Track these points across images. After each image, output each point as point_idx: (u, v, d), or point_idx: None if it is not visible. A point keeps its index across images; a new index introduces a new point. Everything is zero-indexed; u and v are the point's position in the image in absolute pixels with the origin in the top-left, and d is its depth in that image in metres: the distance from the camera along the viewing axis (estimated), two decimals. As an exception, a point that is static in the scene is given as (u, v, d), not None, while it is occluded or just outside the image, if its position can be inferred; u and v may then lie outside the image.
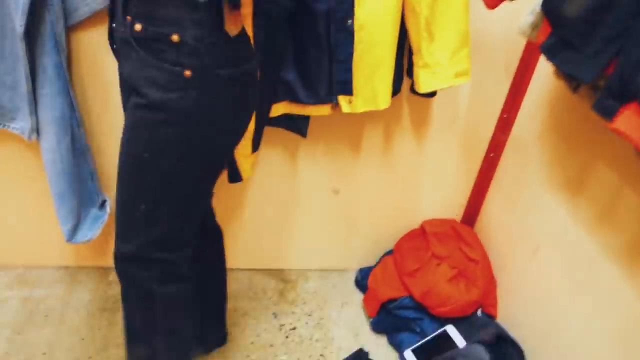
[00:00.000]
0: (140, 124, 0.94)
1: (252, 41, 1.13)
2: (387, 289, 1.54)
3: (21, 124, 1.27)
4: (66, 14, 1.19)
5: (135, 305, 1.10)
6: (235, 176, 1.35)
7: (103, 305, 1.51)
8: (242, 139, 1.28)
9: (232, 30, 0.90)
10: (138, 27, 0.88)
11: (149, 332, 1.12)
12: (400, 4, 1.14)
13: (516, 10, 1.16)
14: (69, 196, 1.33)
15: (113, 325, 1.45)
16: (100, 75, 1.31)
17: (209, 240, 1.30)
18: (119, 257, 1.04)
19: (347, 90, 1.21)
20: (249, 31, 1.12)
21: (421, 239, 1.63)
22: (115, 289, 1.53)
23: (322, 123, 1.43)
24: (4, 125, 1.29)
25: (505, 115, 1.51)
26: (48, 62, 1.19)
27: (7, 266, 1.58)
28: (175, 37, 0.86)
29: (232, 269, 1.62)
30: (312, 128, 1.40)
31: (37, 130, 1.27)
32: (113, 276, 1.57)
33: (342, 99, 1.23)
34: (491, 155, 1.58)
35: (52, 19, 1.16)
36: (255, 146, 1.33)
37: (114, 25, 0.99)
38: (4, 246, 1.55)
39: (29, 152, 1.40)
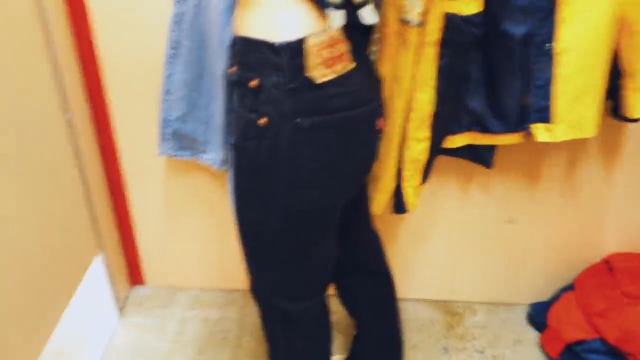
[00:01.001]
0: (233, 168, 0.92)
1: (433, 71, 1.09)
2: (572, 329, 1.41)
3: (212, 155, 1.34)
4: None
5: (265, 336, 1.10)
6: (400, 208, 1.30)
7: (273, 330, 1.54)
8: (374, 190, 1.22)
9: (319, 74, 0.81)
10: (233, 69, 0.88)
11: None
12: (613, 24, 1.05)
13: None
14: (251, 224, 1.38)
15: (285, 351, 1.47)
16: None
17: (375, 284, 1.26)
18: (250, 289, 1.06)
19: (545, 117, 1.13)
20: (431, 58, 1.09)
21: (606, 275, 1.48)
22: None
23: (497, 151, 1.36)
24: (196, 157, 1.37)
25: None
26: (241, 97, 1.25)
27: (185, 288, 1.68)
28: (254, 83, 0.82)
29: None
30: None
31: (227, 161, 1.33)
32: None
33: (538, 127, 1.15)
34: (694, 183, 1.40)
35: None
36: (425, 177, 1.29)
37: None
38: (184, 269, 1.65)
39: (215, 181, 1.48)
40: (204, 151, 1.36)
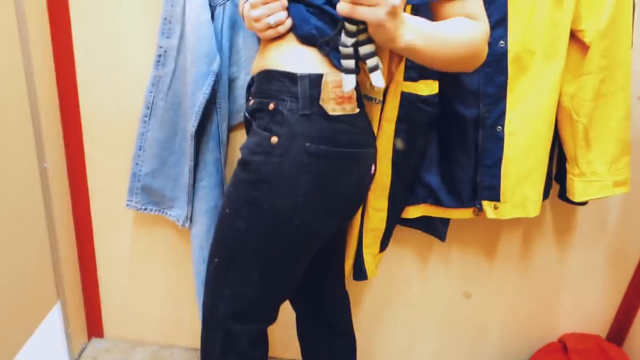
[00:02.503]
0: (233, 180, 0.98)
1: (390, 145, 1.17)
2: (524, 408, 1.40)
3: (178, 212, 1.38)
4: (230, 115, 1.32)
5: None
6: (360, 274, 1.33)
7: (227, 392, 1.52)
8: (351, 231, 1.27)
9: (330, 107, 0.92)
10: (252, 102, 0.98)
11: None
12: (554, 111, 1.13)
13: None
14: (211, 282, 1.40)
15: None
16: (251, 170, 1.41)
17: (340, 344, 1.28)
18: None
19: (494, 196, 1.19)
20: (389, 133, 1.17)
21: (561, 355, 1.49)
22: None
23: (457, 224, 1.40)
24: (163, 212, 1.41)
25: (661, 226, 1.39)
26: (209, 157, 1.31)
27: (144, 343, 1.66)
28: (271, 106, 0.93)
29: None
30: (447, 229, 1.38)
31: (190, 218, 1.37)
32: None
33: (487, 205, 1.21)
34: (645, 267, 1.45)
35: (219, 120, 1.28)
36: (383, 246, 1.33)
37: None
38: (144, 323, 1.65)
39: (179, 238, 1.50)
40: (171, 207, 1.40)
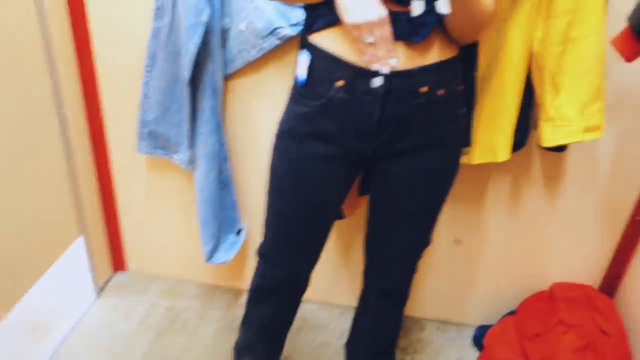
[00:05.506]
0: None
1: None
2: (504, 351, 1.46)
3: (181, 156, 1.51)
4: (225, 64, 1.40)
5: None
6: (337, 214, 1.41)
7: (230, 325, 1.66)
8: None
9: None
10: (441, 92, 0.97)
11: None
12: (527, 55, 1.14)
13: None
14: (211, 222, 1.52)
15: (236, 343, 1.58)
16: (248, 117, 1.50)
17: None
18: None
19: (466, 141, 1.23)
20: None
21: (548, 302, 1.52)
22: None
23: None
24: (169, 156, 1.54)
25: (653, 177, 1.37)
26: (206, 105, 1.41)
27: (162, 276, 1.83)
28: (461, 87, 1.04)
29: (348, 307, 1.67)
30: (435, 176, 1.42)
31: (192, 162, 1.49)
32: (244, 299, 1.71)
33: (461, 149, 1.24)
34: (637, 218, 1.44)
35: (213, 69, 1.37)
36: (363, 191, 1.39)
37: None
38: (162, 259, 1.81)
39: (187, 180, 1.63)
40: (176, 151, 1.53)
